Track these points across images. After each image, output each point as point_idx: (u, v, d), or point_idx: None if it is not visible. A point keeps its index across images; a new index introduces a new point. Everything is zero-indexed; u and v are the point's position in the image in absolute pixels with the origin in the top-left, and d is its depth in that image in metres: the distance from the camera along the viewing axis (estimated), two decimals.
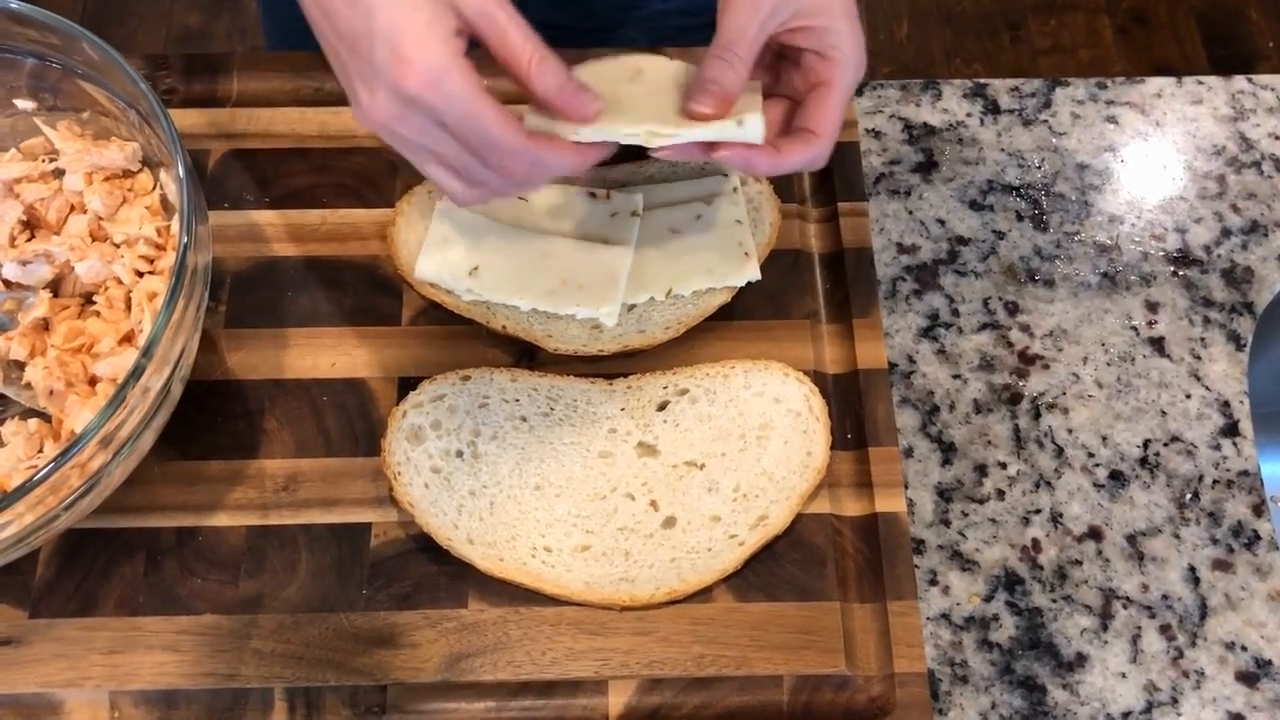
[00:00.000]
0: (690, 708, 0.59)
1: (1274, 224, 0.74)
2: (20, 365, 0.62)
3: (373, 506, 0.63)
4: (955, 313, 0.71)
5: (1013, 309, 0.71)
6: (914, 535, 0.65)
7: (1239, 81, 0.79)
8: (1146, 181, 0.76)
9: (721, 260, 0.68)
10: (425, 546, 0.62)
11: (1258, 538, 0.65)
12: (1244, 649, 0.62)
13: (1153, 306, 0.71)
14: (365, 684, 0.59)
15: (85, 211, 0.65)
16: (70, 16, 0.61)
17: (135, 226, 0.64)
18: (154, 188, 0.66)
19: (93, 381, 0.60)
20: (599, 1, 0.87)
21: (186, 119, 0.73)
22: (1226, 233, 0.74)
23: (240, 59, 0.76)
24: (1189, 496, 0.66)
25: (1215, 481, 0.67)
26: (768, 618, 0.61)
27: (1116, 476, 0.67)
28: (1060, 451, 0.67)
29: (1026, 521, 0.65)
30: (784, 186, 0.72)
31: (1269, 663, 0.62)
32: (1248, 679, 0.62)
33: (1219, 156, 0.77)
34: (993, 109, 0.78)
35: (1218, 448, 0.67)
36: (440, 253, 0.67)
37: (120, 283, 0.63)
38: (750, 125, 0.56)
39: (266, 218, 0.71)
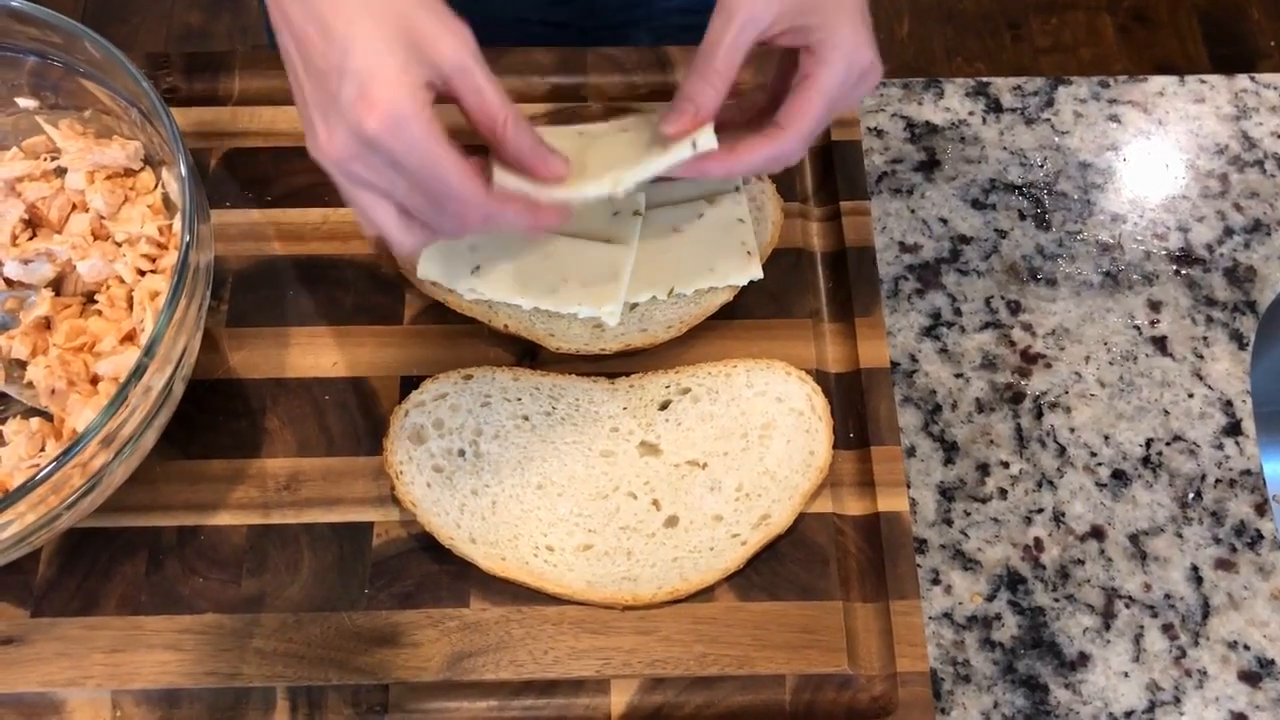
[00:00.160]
0: (692, 707, 0.59)
1: (1276, 223, 0.74)
2: (22, 364, 0.62)
3: (375, 505, 0.63)
4: (957, 311, 0.71)
5: (1015, 308, 0.71)
6: (916, 534, 0.65)
7: (1241, 80, 0.79)
8: (1149, 180, 0.76)
9: (724, 259, 0.68)
10: (427, 546, 0.62)
11: (1260, 537, 0.65)
12: (1246, 648, 0.62)
13: (1155, 305, 0.71)
14: (367, 683, 0.59)
15: (87, 210, 0.65)
16: (71, 15, 0.60)
17: (137, 225, 0.64)
18: (156, 186, 0.66)
19: (94, 380, 0.60)
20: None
21: (188, 117, 0.73)
22: (1229, 231, 0.74)
23: (242, 57, 0.75)
24: (1191, 496, 0.66)
25: (1218, 481, 0.66)
26: (770, 617, 0.61)
27: (1119, 476, 0.67)
28: (1062, 451, 0.67)
29: (1029, 521, 0.65)
30: (786, 185, 0.72)
31: (1271, 662, 0.62)
32: (1250, 678, 0.62)
33: (1221, 155, 0.77)
34: (995, 108, 0.78)
35: (1220, 447, 0.67)
36: (442, 252, 0.67)
37: (122, 281, 0.63)
38: (703, 143, 0.56)
39: (268, 216, 0.71)
